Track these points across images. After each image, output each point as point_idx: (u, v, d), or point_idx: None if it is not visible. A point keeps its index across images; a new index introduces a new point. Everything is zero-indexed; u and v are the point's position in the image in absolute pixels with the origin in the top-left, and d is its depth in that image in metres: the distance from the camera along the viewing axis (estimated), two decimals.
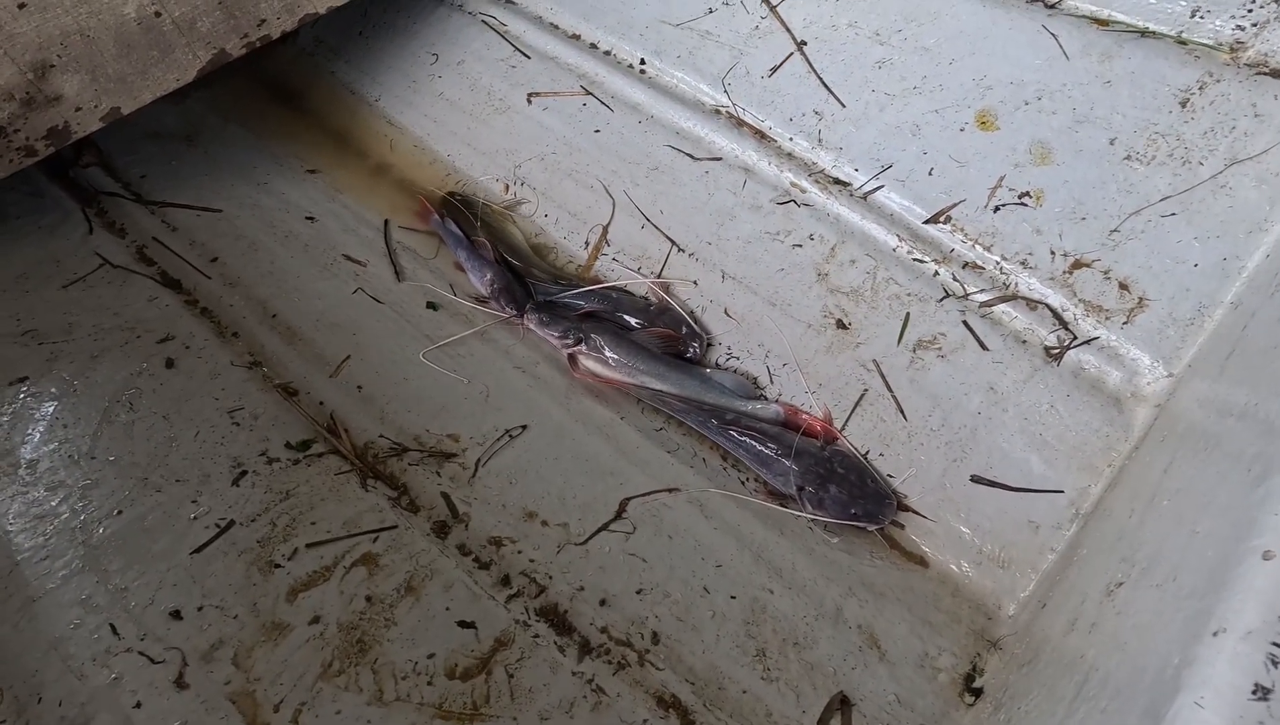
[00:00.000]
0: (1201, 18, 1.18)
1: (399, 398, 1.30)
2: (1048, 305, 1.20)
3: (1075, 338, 1.17)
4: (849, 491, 1.18)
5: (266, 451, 1.18)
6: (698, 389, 1.32)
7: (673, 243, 1.49)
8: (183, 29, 1.38)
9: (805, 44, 1.47)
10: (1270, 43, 1.13)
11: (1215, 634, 0.60)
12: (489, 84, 1.76)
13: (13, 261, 1.40)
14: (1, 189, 1.36)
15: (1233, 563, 0.64)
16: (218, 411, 1.22)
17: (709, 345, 1.41)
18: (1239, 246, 1.08)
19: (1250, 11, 1.15)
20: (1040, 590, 1.07)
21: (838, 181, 1.39)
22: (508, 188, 1.68)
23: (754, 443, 1.25)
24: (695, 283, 1.45)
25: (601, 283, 1.50)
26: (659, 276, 1.48)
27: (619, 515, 1.17)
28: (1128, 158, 1.18)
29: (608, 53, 1.68)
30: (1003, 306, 1.23)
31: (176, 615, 0.98)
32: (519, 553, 1.11)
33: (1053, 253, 1.21)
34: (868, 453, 1.25)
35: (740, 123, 1.50)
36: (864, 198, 1.36)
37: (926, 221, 1.31)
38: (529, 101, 1.70)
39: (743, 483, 1.27)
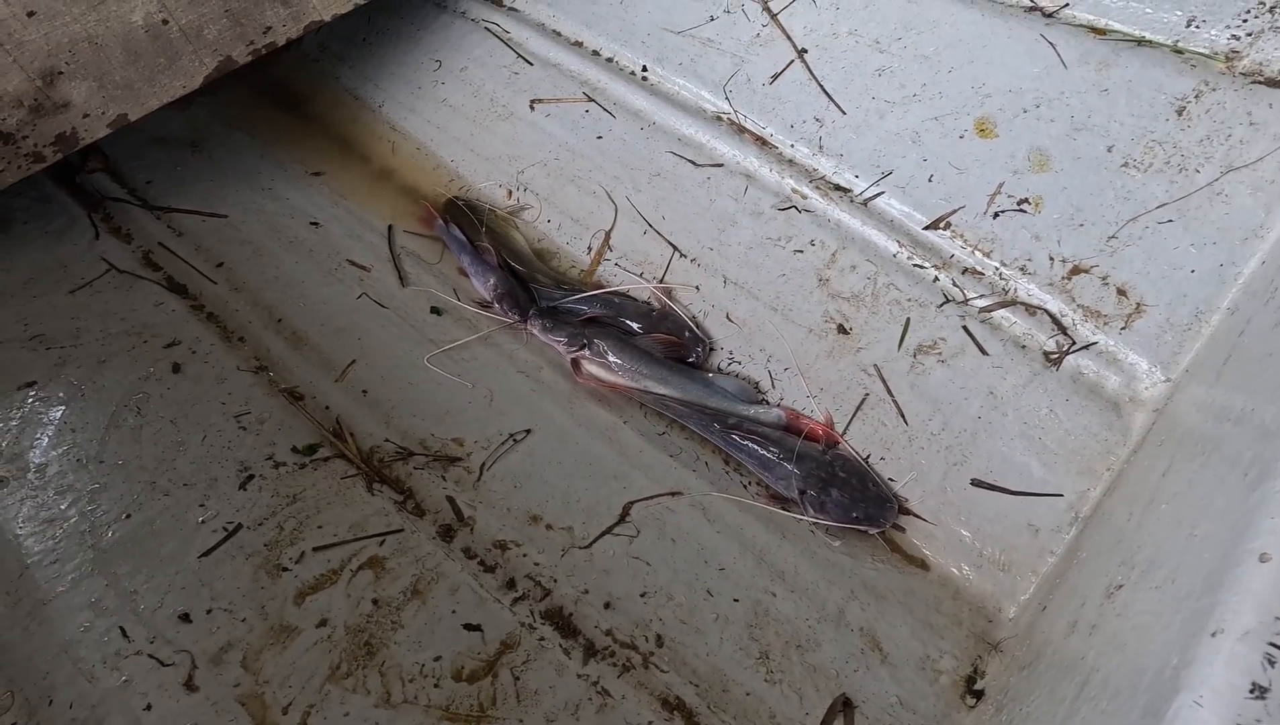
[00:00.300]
0: (1197, 27, 1.19)
1: (404, 402, 1.31)
2: (1047, 310, 1.21)
3: (1074, 343, 1.18)
4: (850, 495, 1.19)
5: (273, 455, 1.19)
6: (700, 393, 1.33)
7: (675, 248, 1.50)
8: (189, 36, 1.39)
9: (806, 52, 1.48)
10: (1265, 52, 1.15)
11: (1213, 635, 0.61)
12: (492, 90, 1.77)
13: (20, 267, 1.41)
14: (9, 195, 1.37)
15: (1230, 565, 0.65)
16: (224, 416, 1.22)
17: (711, 350, 1.42)
18: (1235, 253, 1.10)
19: (1245, 21, 1.16)
20: (1040, 593, 1.08)
21: (838, 188, 1.41)
22: (510, 193, 1.69)
23: (756, 447, 1.26)
24: (697, 288, 1.46)
25: (604, 288, 1.51)
26: (661, 282, 1.49)
27: (623, 519, 1.18)
28: (1125, 165, 1.19)
29: (610, 60, 1.69)
30: (1002, 312, 1.24)
31: (185, 618, 0.99)
32: (524, 556, 1.12)
33: (1051, 259, 1.22)
34: (869, 457, 1.26)
35: (741, 129, 1.52)
36: (864, 204, 1.38)
37: (926, 227, 1.32)
38: (531, 108, 1.71)
39: (745, 486, 1.28)
